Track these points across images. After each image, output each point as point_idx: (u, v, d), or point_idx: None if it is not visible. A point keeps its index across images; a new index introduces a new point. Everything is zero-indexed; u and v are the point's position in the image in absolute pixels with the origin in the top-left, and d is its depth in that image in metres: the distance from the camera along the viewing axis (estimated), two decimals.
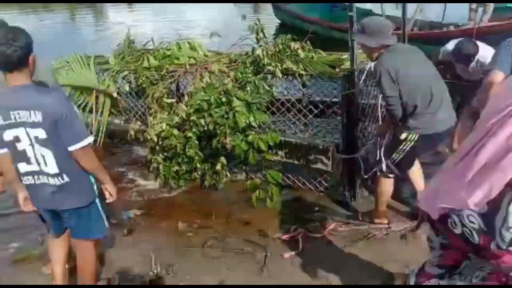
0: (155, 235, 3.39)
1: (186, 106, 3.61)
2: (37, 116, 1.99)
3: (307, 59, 3.74)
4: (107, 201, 2.40)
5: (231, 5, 25.53)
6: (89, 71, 4.99)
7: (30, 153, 2.08)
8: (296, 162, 3.68)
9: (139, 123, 4.05)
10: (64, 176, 2.14)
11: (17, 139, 2.05)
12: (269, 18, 15.23)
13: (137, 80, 4.45)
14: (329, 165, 3.52)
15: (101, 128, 4.76)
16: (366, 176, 3.55)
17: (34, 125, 2.00)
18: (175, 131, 3.48)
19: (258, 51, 3.60)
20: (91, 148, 2.19)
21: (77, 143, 2.08)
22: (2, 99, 2.05)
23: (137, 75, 4.46)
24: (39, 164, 2.10)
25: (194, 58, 4.57)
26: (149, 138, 3.69)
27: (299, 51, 3.73)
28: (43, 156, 2.08)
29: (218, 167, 3.64)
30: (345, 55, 3.71)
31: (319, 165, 3.56)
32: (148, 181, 4.17)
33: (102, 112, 4.81)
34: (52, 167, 2.10)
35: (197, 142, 3.53)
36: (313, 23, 11.32)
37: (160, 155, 3.73)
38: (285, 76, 3.68)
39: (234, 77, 3.62)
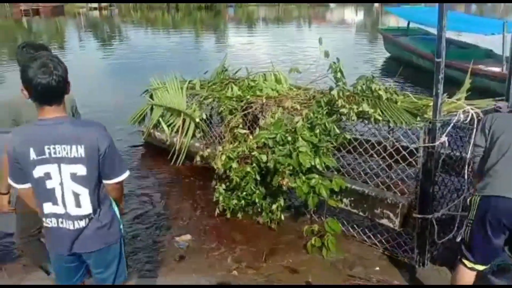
0: (203, 266, 3.36)
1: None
2: (78, 151, 1.83)
3: (387, 104, 3.45)
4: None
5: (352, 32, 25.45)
6: (181, 95, 5.29)
7: (58, 193, 1.90)
8: (361, 213, 3.39)
9: (208, 150, 4.11)
10: (96, 216, 1.98)
11: (48, 176, 1.86)
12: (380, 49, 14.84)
13: (219, 108, 4.57)
14: (396, 223, 3.17)
15: (184, 149, 4.98)
16: (440, 242, 3.12)
17: (74, 160, 1.84)
18: (234, 164, 3.45)
19: (334, 92, 3.43)
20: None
21: (117, 177, 1.98)
22: (35, 132, 1.86)
23: (220, 103, 4.59)
24: (65, 206, 1.91)
25: (277, 91, 4.57)
26: (215, 167, 3.72)
27: (381, 92, 3.48)
28: (76, 195, 1.90)
29: (274, 207, 3.52)
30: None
31: (385, 221, 3.23)
32: (209, 208, 4.17)
33: (186, 134, 5.03)
34: (86, 207, 1.93)
35: (257, 177, 3.45)
36: (425, 59, 10.70)
37: (223, 185, 3.73)
38: (361, 120, 3.44)
39: (305, 115, 3.49)
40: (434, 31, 12.33)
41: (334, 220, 3.36)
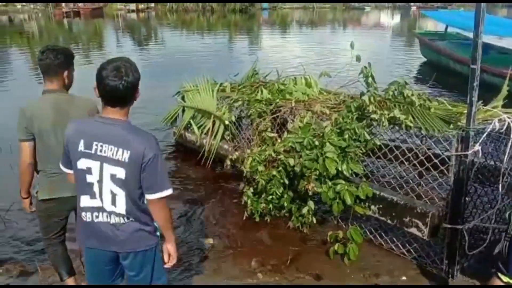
0: (227, 267, 3.39)
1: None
2: (123, 155, 1.87)
3: (419, 110, 3.38)
4: (165, 266, 2.17)
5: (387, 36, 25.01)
6: (211, 97, 5.36)
7: (96, 188, 1.95)
8: (389, 221, 3.32)
9: (237, 153, 4.13)
10: (131, 218, 1.99)
11: (88, 170, 1.93)
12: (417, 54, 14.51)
13: (248, 111, 4.60)
14: (425, 232, 3.09)
15: (213, 151, 5.03)
16: (470, 254, 3.03)
17: (116, 163, 1.88)
18: (260, 167, 3.46)
19: (365, 97, 3.39)
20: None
21: (157, 192, 1.94)
22: (90, 126, 1.95)
23: (249, 106, 4.62)
24: (102, 200, 1.95)
25: (307, 95, 4.55)
26: (244, 170, 3.75)
27: (414, 98, 3.41)
28: (114, 195, 1.93)
29: (304, 211, 3.51)
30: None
31: (414, 230, 3.15)
32: (236, 211, 4.19)
33: (215, 136, 5.09)
34: (120, 207, 1.95)
35: (285, 181, 3.45)
36: (463, 64, 10.38)
37: (251, 188, 3.75)
38: (391, 126, 3.37)
39: (335, 120, 3.46)
40: (471, 35, 11.93)
41: (357, 230, 3.31)
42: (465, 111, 3.41)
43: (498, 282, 2.48)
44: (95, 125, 1.94)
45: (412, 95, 3.38)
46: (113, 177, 1.91)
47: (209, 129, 5.22)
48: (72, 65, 2.60)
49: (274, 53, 15.58)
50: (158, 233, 2.13)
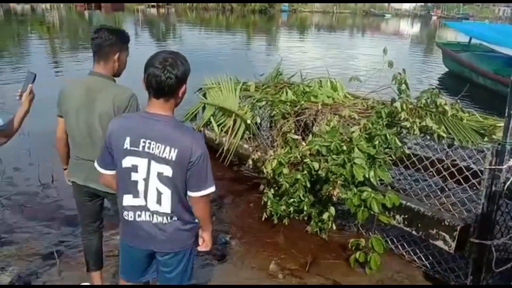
0: (246, 268, 3.33)
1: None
2: (170, 153, 1.82)
3: (452, 120, 3.29)
4: (198, 248, 2.18)
5: (406, 44, 24.79)
6: (234, 96, 5.31)
7: (140, 187, 1.90)
8: (414, 232, 3.23)
9: (259, 153, 4.07)
10: (175, 217, 1.95)
11: (134, 168, 1.88)
12: (437, 64, 14.33)
13: (272, 111, 4.54)
14: (452, 246, 3.00)
15: (232, 150, 4.98)
16: (497, 271, 2.93)
17: (163, 161, 1.83)
18: (285, 170, 3.39)
19: (397, 104, 3.30)
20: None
21: (201, 190, 1.91)
22: (136, 123, 1.88)
23: (273, 107, 4.56)
24: (146, 200, 1.91)
25: (333, 98, 4.48)
26: (265, 171, 3.68)
27: (447, 107, 3.32)
28: (159, 193, 1.89)
29: (325, 216, 3.44)
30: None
31: (440, 243, 3.06)
32: (255, 212, 4.13)
33: (236, 134, 5.04)
34: (165, 206, 1.92)
35: (306, 185, 3.38)
36: (486, 77, 10.22)
37: (272, 190, 3.69)
38: (422, 135, 3.29)
39: (363, 125, 3.38)
40: (498, 49, 11.76)
41: (379, 239, 3.22)
42: (498, 124, 3.34)
43: None
44: (140, 121, 1.87)
45: (445, 104, 3.29)
46: (160, 175, 1.87)
47: (229, 127, 5.17)
48: (125, 49, 2.50)
49: (294, 56, 15.50)
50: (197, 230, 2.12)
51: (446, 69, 13.15)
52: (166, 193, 1.89)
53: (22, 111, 2.41)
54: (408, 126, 3.17)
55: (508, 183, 2.92)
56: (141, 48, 17.14)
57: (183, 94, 1.91)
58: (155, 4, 53.86)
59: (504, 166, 2.85)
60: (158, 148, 1.83)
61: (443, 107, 3.28)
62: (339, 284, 3.20)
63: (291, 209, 3.59)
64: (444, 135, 3.15)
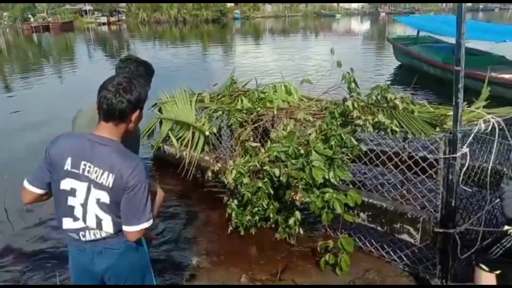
0: (216, 283, 3.23)
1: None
2: (108, 179, 1.74)
3: (404, 114, 3.33)
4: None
5: (359, 41, 25.42)
6: (190, 108, 5.21)
7: (78, 213, 1.81)
8: (379, 228, 3.24)
9: (219, 164, 3.99)
10: (119, 237, 1.87)
11: (72, 192, 1.79)
12: (389, 58, 14.74)
13: (229, 121, 4.48)
14: (417, 238, 3.02)
15: (193, 163, 4.87)
16: (463, 257, 2.97)
17: (101, 187, 1.75)
18: (245, 179, 3.33)
19: (348, 103, 3.32)
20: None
21: (133, 224, 1.78)
22: (80, 144, 1.79)
23: (229, 116, 4.49)
24: (85, 222, 1.82)
25: (288, 102, 4.47)
26: (226, 181, 3.61)
27: (397, 101, 3.36)
28: (99, 219, 1.80)
29: (291, 222, 3.40)
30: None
31: (405, 236, 3.08)
32: (221, 224, 4.01)
33: (195, 148, 4.94)
34: (107, 230, 1.83)
35: (270, 191, 3.33)
36: (435, 67, 10.57)
37: (235, 200, 3.61)
38: (377, 131, 3.32)
39: (319, 127, 3.38)
40: (444, 39, 12.22)
41: (347, 239, 3.22)
42: (448, 113, 3.40)
43: (482, 273, 2.40)
44: (85, 143, 1.78)
45: (395, 98, 3.34)
46: (98, 201, 1.77)
47: (188, 140, 5.07)
48: (150, 83, 2.47)
49: (250, 62, 15.56)
50: (148, 256, 2.02)
51: (398, 63, 13.53)
52: (106, 219, 1.81)
53: None
54: (361, 123, 3.19)
55: (464, 169, 2.99)
56: (95, 66, 16.73)
57: (138, 120, 1.86)
58: (105, 21, 52.87)
59: (458, 154, 2.91)
60: (96, 172, 1.75)
61: (394, 102, 3.32)
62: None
63: (257, 218, 3.53)
64: (397, 129, 3.18)
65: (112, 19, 55.22)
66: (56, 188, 1.81)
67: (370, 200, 3.25)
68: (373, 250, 3.54)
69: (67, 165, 1.77)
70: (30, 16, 53.86)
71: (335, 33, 36.18)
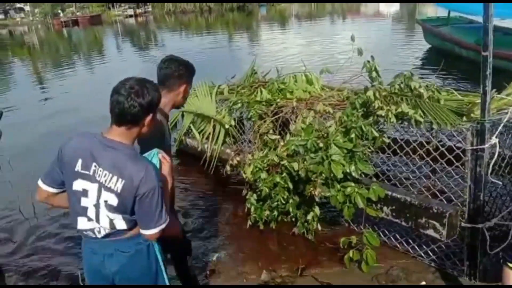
0: (237, 281, 3.21)
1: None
2: (117, 184, 1.73)
3: (429, 103, 3.17)
4: None
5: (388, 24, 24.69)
6: (210, 101, 5.17)
7: (91, 213, 1.82)
8: (403, 223, 3.11)
9: (237, 158, 3.94)
10: (131, 233, 1.87)
11: (85, 193, 1.79)
12: (419, 41, 14.22)
13: (248, 113, 4.41)
14: (443, 233, 2.88)
15: (215, 156, 4.85)
16: (492, 253, 2.82)
17: (110, 190, 1.75)
18: (263, 174, 3.26)
19: (369, 93, 3.17)
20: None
21: (151, 228, 1.80)
22: (91, 145, 1.78)
23: (249, 108, 4.42)
24: (99, 222, 1.83)
25: (309, 92, 4.35)
26: (245, 176, 3.56)
27: (422, 90, 3.19)
28: (111, 220, 1.82)
29: (309, 217, 3.32)
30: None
31: (431, 232, 2.94)
32: (241, 219, 3.98)
33: (216, 141, 4.91)
34: (120, 228, 1.84)
35: (290, 186, 3.25)
36: (468, 49, 10.11)
37: (254, 195, 3.56)
38: (400, 122, 3.16)
39: (339, 119, 3.26)
40: (477, 19, 11.66)
41: (372, 233, 3.11)
42: (477, 101, 3.20)
43: (510, 272, 2.27)
44: (96, 145, 1.77)
45: (420, 87, 3.16)
46: (106, 204, 1.78)
47: (210, 133, 5.04)
48: (191, 82, 2.47)
49: (273, 51, 15.35)
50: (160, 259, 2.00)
51: (428, 45, 13.04)
52: (117, 218, 1.82)
53: None
54: (383, 114, 3.05)
55: (492, 162, 2.82)
56: (123, 57, 16.97)
57: (150, 124, 1.84)
58: (133, 13, 53.50)
59: (486, 145, 2.74)
60: (105, 176, 1.75)
61: (418, 90, 3.16)
62: (332, 285, 3.09)
63: (275, 212, 3.47)
64: (421, 119, 3.02)
65: (139, 10, 55.79)
66: (69, 189, 1.83)
67: (394, 194, 3.11)
68: (397, 245, 3.42)
69: (78, 166, 1.77)
70: (59, 11, 55.08)
71: (364, 16, 35.25)
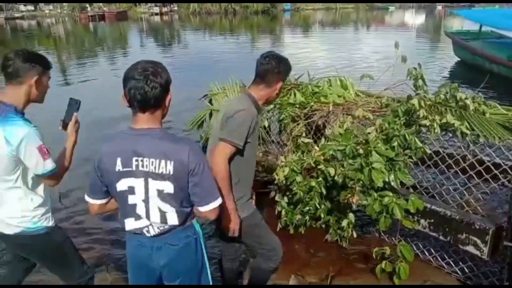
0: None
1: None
2: (167, 167, 1.66)
3: (474, 115, 3.06)
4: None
5: (413, 35, 24.42)
6: None
7: (140, 209, 1.76)
8: (441, 237, 3.00)
9: (268, 158, 3.87)
10: (181, 228, 1.83)
11: (131, 190, 1.73)
12: (447, 53, 13.99)
13: (280, 115, 4.34)
14: (484, 251, 2.76)
15: None
16: None
17: (161, 177, 1.67)
18: (298, 178, 3.18)
19: (414, 101, 3.07)
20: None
21: (210, 203, 1.75)
22: (124, 141, 1.71)
23: (281, 110, 4.35)
24: (149, 219, 1.78)
25: (344, 98, 4.27)
26: (277, 178, 3.49)
27: (468, 101, 3.08)
28: (163, 213, 1.75)
29: (344, 223, 3.23)
30: None
31: (471, 248, 2.83)
32: (270, 222, 3.88)
33: None
34: (172, 223, 1.79)
35: (322, 191, 3.16)
36: (500, 64, 9.90)
37: (285, 198, 3.48)
38: (444, 132, 3.06)
39: (379, 126, 3.17)
40: (509, 34, 11.40)
41: (407, 247, 3.01)
42: None
43: None
44: (128, 139, 1.71)
45: (466, 98, 3.06)
46: (160, 193, 1.71)
47: None
48: (286, 78, 2.51)
49: (300, 55, 15.27)
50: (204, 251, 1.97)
51: (457, 59, 12.81)
52: (170, 211, 1.75)
53: (70, 144, 2.22)
54: (428, 124, 2.95)
55: None
56: (149, 56, 17.11)
57: (169, 103, 1.77)
58: (158, 11, 54.10)
59: None
60: (152, 164, 1.68)
61: (464, 102, 3.06)
62: None
63: (307, 217, 3.38)
64: (468, 132, 2.92)
65: (164, 9, 56.38)
66: (114, 192, 1.77)
67: (433, 207, 3.01)
68: (431, 259, 3.31)
69: (118, 166, 1.70)
70: (87, 5, 56.01)
71: (388, 26, 34.95)
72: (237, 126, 2.23)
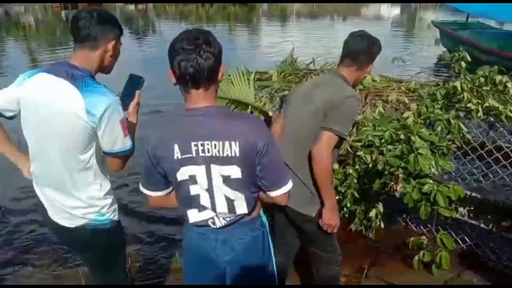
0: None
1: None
2: (232, 149, 1.44)
3: None
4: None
5: (390, 27, 24.61)
6: (248, 87, 4.90)
7: (204, 201, 1.56)
8: (483, 225, 2.91)
9: None
10: (247, 226, 1.65)
11: (192, 179, 1.52)
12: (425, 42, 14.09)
13: None
14: None
15: None
16: None
17: (227, 161, 1.46)
18: (335, 165, 3.01)
19: (457, 83, 2.94)
20: None
21: (282, 186, 1.57)
22: (180, 125, 1.50)
23: None
24: (215, 210, 1.58)
25: (361, 83, 4.11)
26: None
27: (509, 85, 2.98)
28: (230, 201, 1.55)
29: (372, 214, 3.09)
30: None
31: None
32: None
33: None
34: (241, 211, 1.59)
35: (356, 181, 3.02)
36: (490, 54, 10.01)
37: None
38: (485, 117, 2.95)
39: (416, 110, 3.03)
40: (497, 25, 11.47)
41: (447, 235, 2.89)
42: None
43: None
44: (186, 122, 1.49)
45: (507, 81, 2.96)
46: (226, 180, 1.50)
47: None
48: (373, 61, 2.23)
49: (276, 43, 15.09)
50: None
51: (443, 49, 12.90)
52: (239, 198, 1.55)
53: (133, 126, 1.88)
54: (472, 108, 2.83)
55: None
56: (132, 46, 16.60)
57: (222, 78, 1.53)
58: None
59: None
60: (216, 147, 1.45)
61: (505, 85, 2.95)
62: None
63: None
64: None
65: None
66: (175, 182, 1.56)
67: (473, 194, 2.91)
68: (465, 247, 3.22)
69: (177, 153, 1.48)
70: None
71: (364, 18, 35.16)
72: (347, 114, 2.02)
